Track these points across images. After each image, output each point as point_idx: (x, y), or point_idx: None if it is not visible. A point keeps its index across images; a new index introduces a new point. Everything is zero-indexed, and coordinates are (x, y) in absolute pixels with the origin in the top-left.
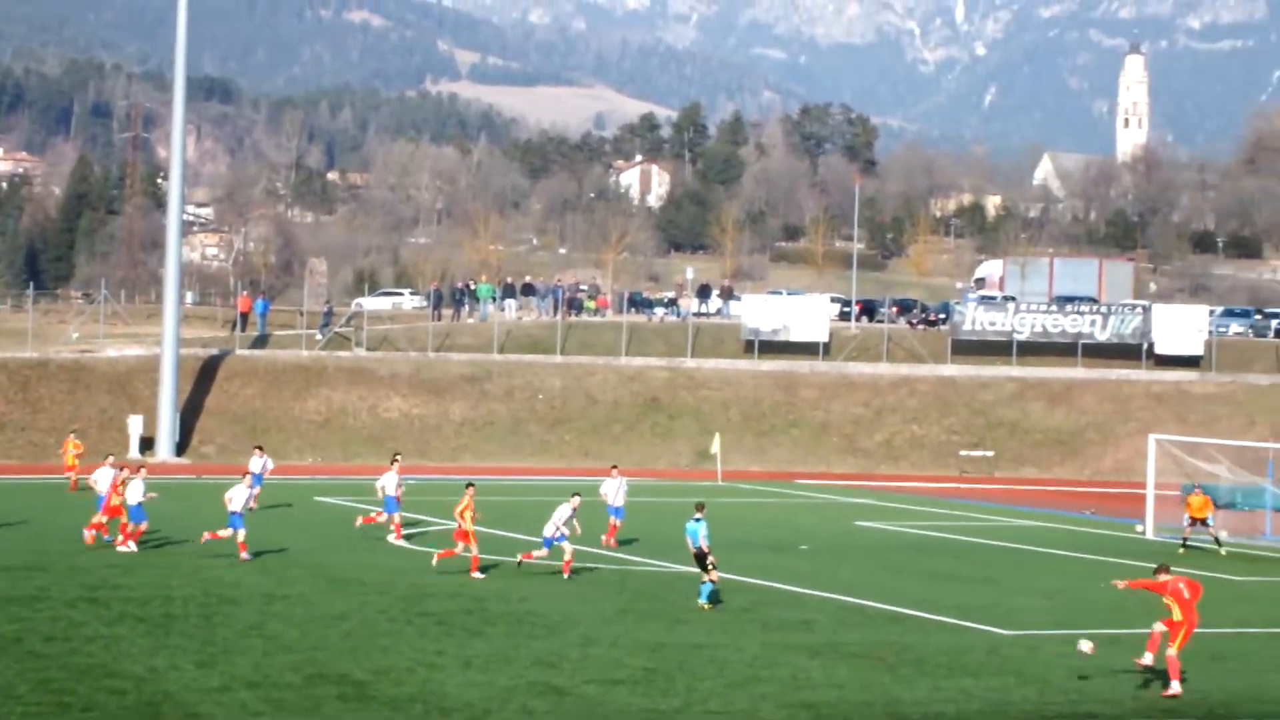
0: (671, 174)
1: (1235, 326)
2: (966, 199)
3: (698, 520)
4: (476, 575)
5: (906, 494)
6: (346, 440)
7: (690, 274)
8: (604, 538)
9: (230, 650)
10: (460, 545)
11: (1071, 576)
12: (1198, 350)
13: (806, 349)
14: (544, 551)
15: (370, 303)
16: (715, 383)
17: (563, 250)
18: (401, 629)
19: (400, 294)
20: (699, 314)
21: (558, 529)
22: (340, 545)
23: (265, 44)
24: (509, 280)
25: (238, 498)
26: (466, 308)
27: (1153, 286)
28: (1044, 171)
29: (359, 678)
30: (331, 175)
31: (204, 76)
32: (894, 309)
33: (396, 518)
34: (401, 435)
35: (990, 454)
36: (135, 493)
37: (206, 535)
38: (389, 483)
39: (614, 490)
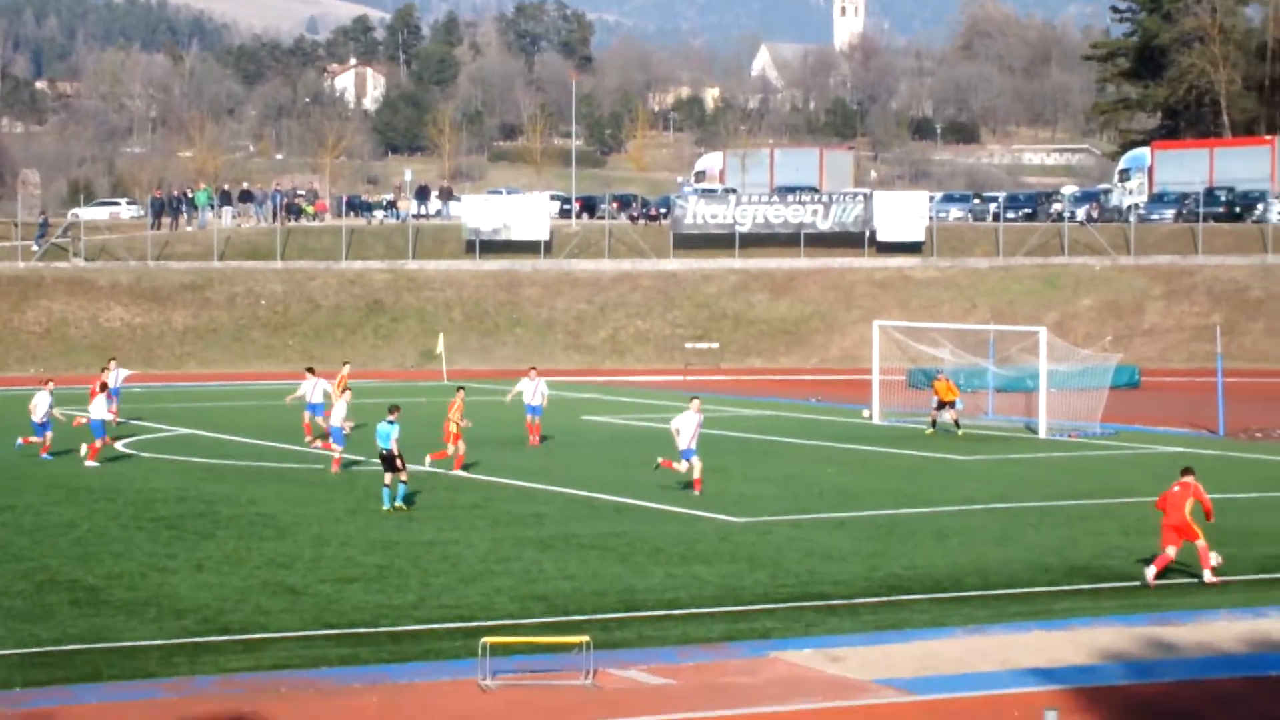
0: (387, 76)
1: (955, 211)
2: (685, 92)
3: (391, 423)
4: (460, 472)
5: (633, 388)
6: (68, 350)
7: (409, 176)
8: (530, 439)
9: None
10: (451, 447)
11: (800, 463)
12: (919, 236)
13: (528, 248)
14: (684, 465)
15: (87, 213)
16: (437, 284)
17: (279, 156)
18: (132, 534)
19: (117, 204)
20: (419, 216)
21: (690, 441)
22: (70, 454)
23: None
24: (226, 187)
25: (336, 414)
26: (185, 216)
27: (873, 174)
28: (762, 62)
29: (91, 583)
30: (40, 84)
31: None
32: (614, 205)
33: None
34: (124, 344)
35: (715, 346)
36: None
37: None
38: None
39: (531, 390)
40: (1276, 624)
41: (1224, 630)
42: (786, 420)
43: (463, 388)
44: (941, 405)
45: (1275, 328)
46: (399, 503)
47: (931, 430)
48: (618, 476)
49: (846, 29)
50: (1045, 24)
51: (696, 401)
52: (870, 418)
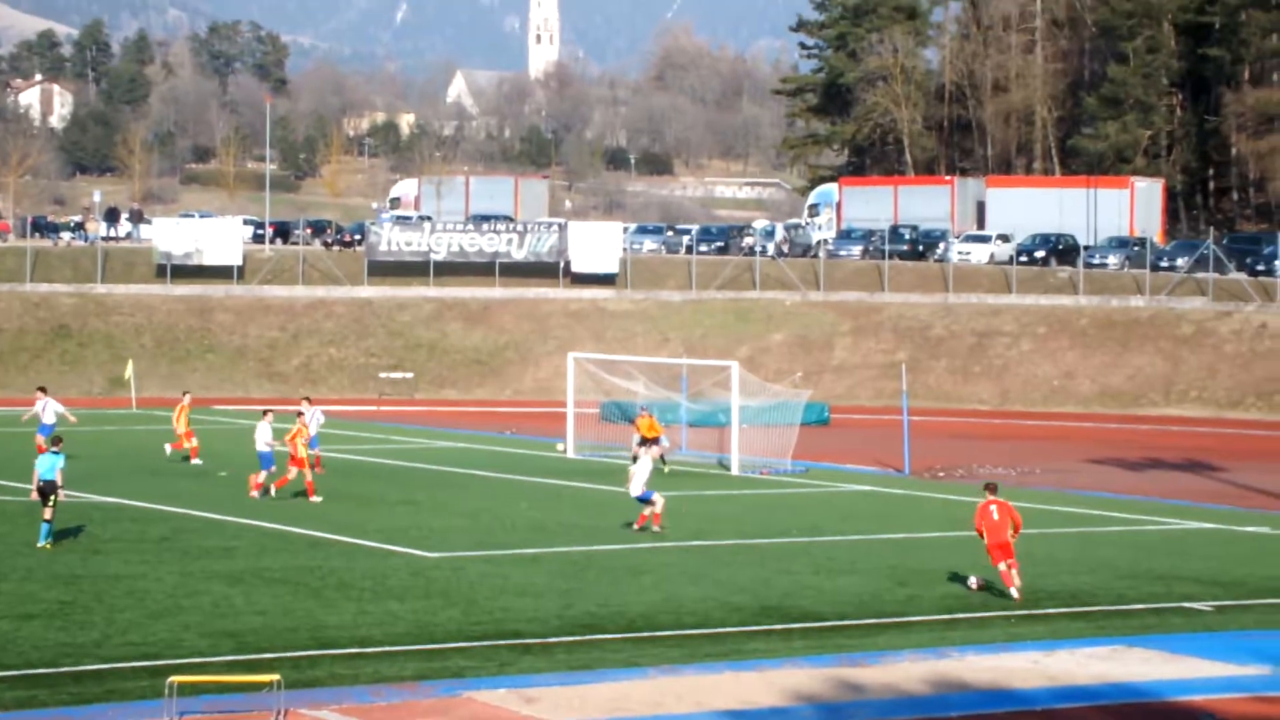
0: (75, 94)
1: (649, 243)
2: (380, 117)
3: (55, 454)
4: (316, 499)
5: (327, 418)
6: None
7: (98, 197)
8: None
9: None
10: (294, 471)
11: (494, 497)
12: (613, 268)
13: (221, 273)
14: (659, 502)
15: None
16: (127, 308)
17: None
18: None
19: None
20: (108, 238)
21: (644, 485)
22: None
23: None
24: None
25: (260, 436)
26: None
27: (568, 204)
28: (457, 89)
29: None
30: None
31: None
32: (308, 230)
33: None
34: None
35: (410, 376)
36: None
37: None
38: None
39: (312, 419)
40: (957, 664)
41: (909, 671)
42: (480, 453)
43: (301, 413)
44: (644, 442)
45: (956, 366)
46: (44, 542)
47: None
48: (310, 509)
49: (542, 57)
50: (737, 57)
51: (656, 449)
52: (565, 451)
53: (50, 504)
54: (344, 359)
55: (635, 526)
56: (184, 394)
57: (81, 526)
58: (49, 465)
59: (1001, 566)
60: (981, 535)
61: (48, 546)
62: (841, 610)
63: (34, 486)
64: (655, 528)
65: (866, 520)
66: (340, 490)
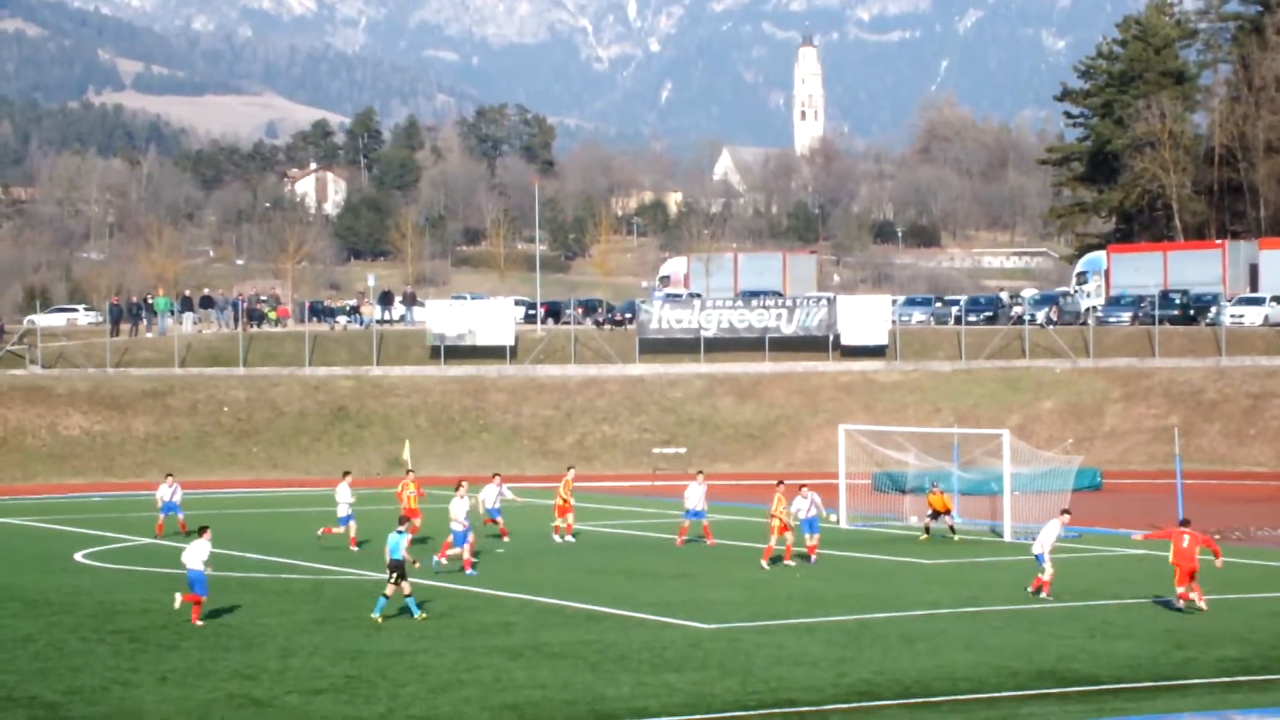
0: (348, 181)
1: (917, 315)
2: (647, 196)
3: (400, 533)
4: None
5: (601, 494)
6: (26, 460)
7: (372, 281)
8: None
9: None
10: (775, 539)
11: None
12: (882, 340)
13: (493, 353)
14: (1049, 570)
15: (44, 320)
16: (403, 390)
17: (240, 261)
18: (94, 648)
19: (75, 310)
20: (383, 321)
21: (1045, 549)
22: (27, 567)
23: None
24: (186, 293)
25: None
26: (145, 322)
27: (836, 278)
28: (724, 166)
29: (50, 699)
30: None
31: None
32: (579, 310)
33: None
34: (84, 453)
35: (683, 451)
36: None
37: None
38: (342, 496)
39: (697, 495)
40: None
41: None
42: (753, 525)
43: (782, 482)
44: (936, 515)
45: (1231, 430)
46: (418, 614)
47: (926, 537)
48: (586, 583)
49: (806, 133)
50: (1001, 127)
51: (1067, 515)
52: (837, 522)
53: (399, 580)
54: (617, 436)
55: (1029, 589)
56: (569, 469)
57: (363, 604)
58: (395, 544)
59: (1181, 589)
60: (1165, 537)
61: (423, 617)
62: (1118, 673)
63: (387, 564)
64: (1044, 594)
65: (1141, 584)
66: (615, 565)
